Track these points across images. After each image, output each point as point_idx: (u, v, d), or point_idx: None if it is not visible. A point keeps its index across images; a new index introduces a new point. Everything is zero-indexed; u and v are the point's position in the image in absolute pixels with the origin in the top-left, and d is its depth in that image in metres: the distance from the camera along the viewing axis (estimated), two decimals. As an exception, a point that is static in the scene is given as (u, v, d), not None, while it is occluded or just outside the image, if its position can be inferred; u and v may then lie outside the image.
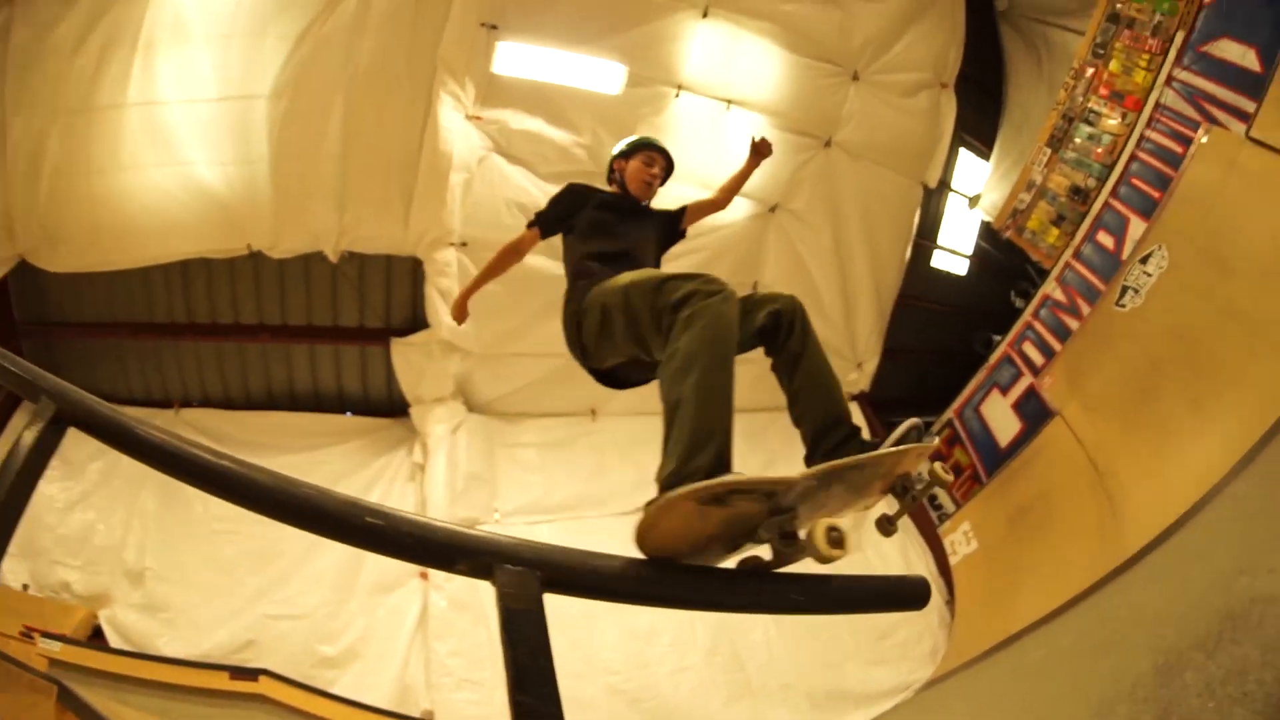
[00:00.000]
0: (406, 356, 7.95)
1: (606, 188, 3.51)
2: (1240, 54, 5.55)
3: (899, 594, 1.21)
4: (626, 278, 2.46)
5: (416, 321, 8.08)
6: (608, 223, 3.13)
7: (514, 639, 0.89)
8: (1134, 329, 6.03)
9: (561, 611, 4.36)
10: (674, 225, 3.57)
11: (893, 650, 7.47)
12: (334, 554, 6.86)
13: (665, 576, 0.99)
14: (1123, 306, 5.98)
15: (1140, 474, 5.62)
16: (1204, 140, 5.59)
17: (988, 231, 9.58)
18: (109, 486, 8.43)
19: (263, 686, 5.69)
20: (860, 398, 9.49)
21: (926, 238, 9.84)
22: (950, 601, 7.94)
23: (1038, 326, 7.76)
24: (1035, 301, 7.91)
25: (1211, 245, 5.33)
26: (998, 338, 8.48)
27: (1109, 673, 2.96)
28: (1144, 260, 5.84)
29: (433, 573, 6.47)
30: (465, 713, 6.07)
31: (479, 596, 6.55)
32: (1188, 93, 6.18)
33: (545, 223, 3.26)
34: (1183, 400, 5.11)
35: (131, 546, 8.08)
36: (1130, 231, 6.67)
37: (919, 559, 8.32)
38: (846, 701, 6.94)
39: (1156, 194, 6.37)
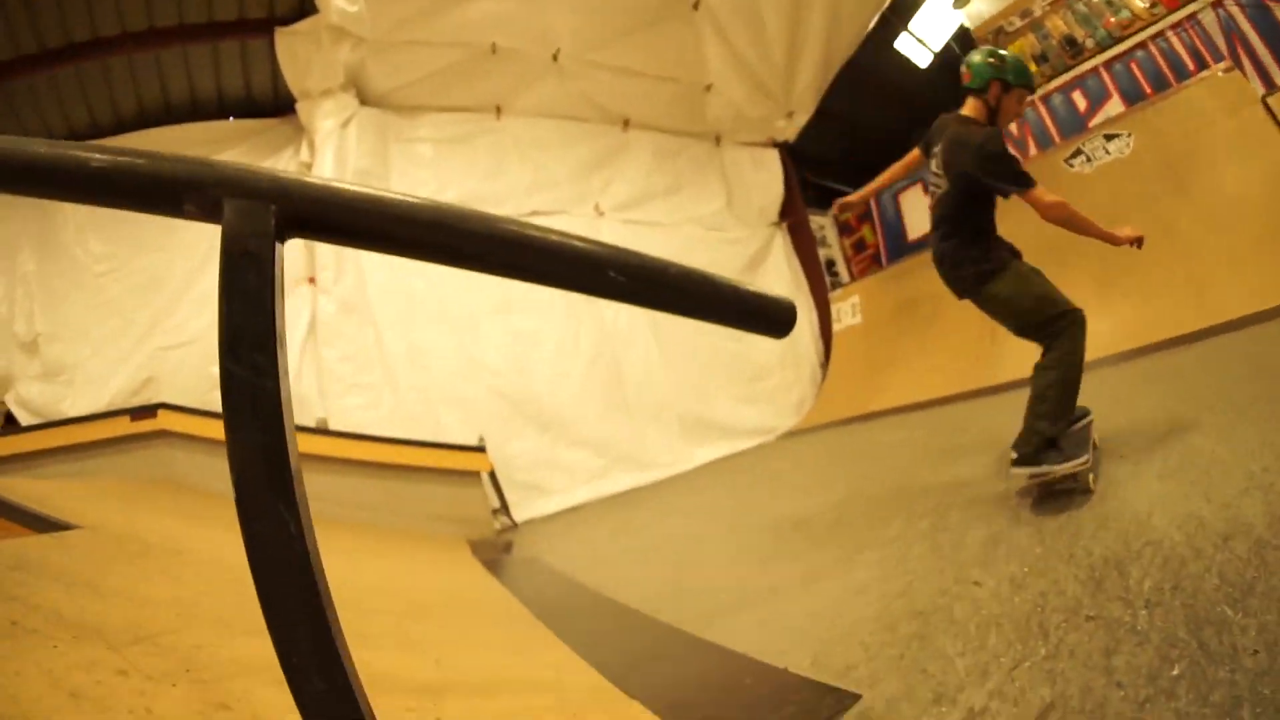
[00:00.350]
0: (292, 47, 7.17)
1: (970, 113, 2.85)
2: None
3: (758, 310, 0.98)
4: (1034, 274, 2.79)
5: (304, 7, 7.14)
6: None
7: (232, 289, 0.73)
8: (1072, 191, 6.09)
9: (448, 313, 5.90)
10: None
11: (763, 393, 8.10)
12: (216, 273, 6.87)
13: (455, 227, 0.83)
14: (1070, 166, 6.11)
15: None
16: (1220, 75, 5.48)
17: (963, 36, 9.11)
18: None
19: (162, 421, 5.74)
20: (781, 146, 9.49)
21: (899, 16, 9.31)
22: (825, 364, 8.66)
23: None
24: None
25: (1178, 163, 5.41)
26: None
27: (950, 473, 3.27)
28: (1109, 137, 5.92)
29: (319, 277, 6.48)
30: (356, 416, 6.19)
31: (365, 297, 6.60)
32: (1228, 26, 6.04)
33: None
34: (1089, 279, 5.30)
35: (20, 317, 7.71)
36: (1107, 107, 6.69)
37: (804, 317, 8.82)
38: (713, 431, 7.53)
39: (1149, 89, 6.35)
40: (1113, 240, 2.84)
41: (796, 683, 1.63)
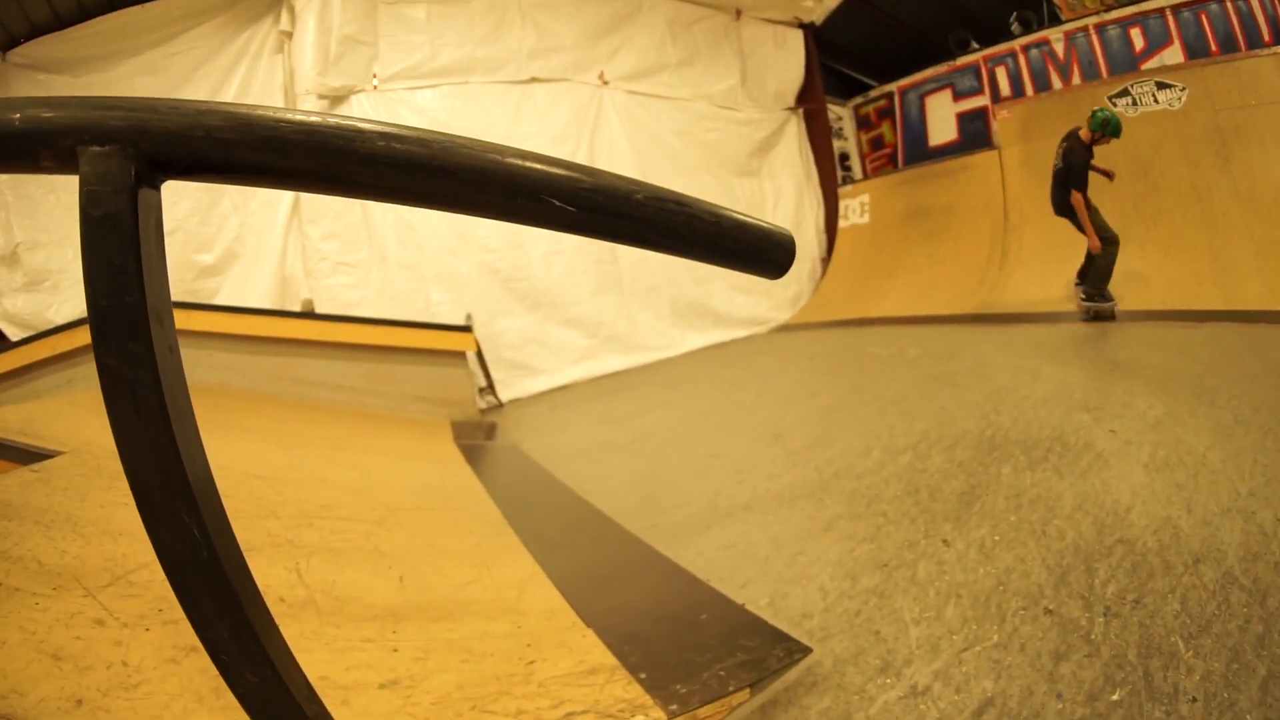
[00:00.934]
0: (268, -103, 6.37)
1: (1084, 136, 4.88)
2: None
3: (749, 246, 0.84)
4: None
5: None
6: None
7: (93, 260, 0.63)
8: None
9: None
10: None
11: (759, 283, 7.73)
12: None
13: (361, 150, 0.70)
14: (1113, 104, 5.84)
15: (1039, 251, 5.95)
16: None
17: (1024, -59, 8.54)
18: None
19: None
20: (807, 28, 8.96)
21: (956, -92, 8.52)
22: (826, 260, 8.56)
23: (1021, 61, 7.51)
24: (1033, 38, 7.48)
25: (1227, 132, 5.24)
26: (976, 45, 8.08)
27: (938, 404, 3.27)
28: (1161, 86, 5.65)
29: None
30: (343, 296, 6.14)
31: None
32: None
33: None
34: (1114, 220, 5.20)
35: None
36: (1165, 54, 6.35)
37: (811, 209, 8.71)
38: (706, 318, 7.53)
39: (1215, 47, 5.98)
40: (1089, 237, 4.71)
41: (751, 626, 1.66)
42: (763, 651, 1.54)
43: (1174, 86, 5.60)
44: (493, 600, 1.77)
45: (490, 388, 6.02)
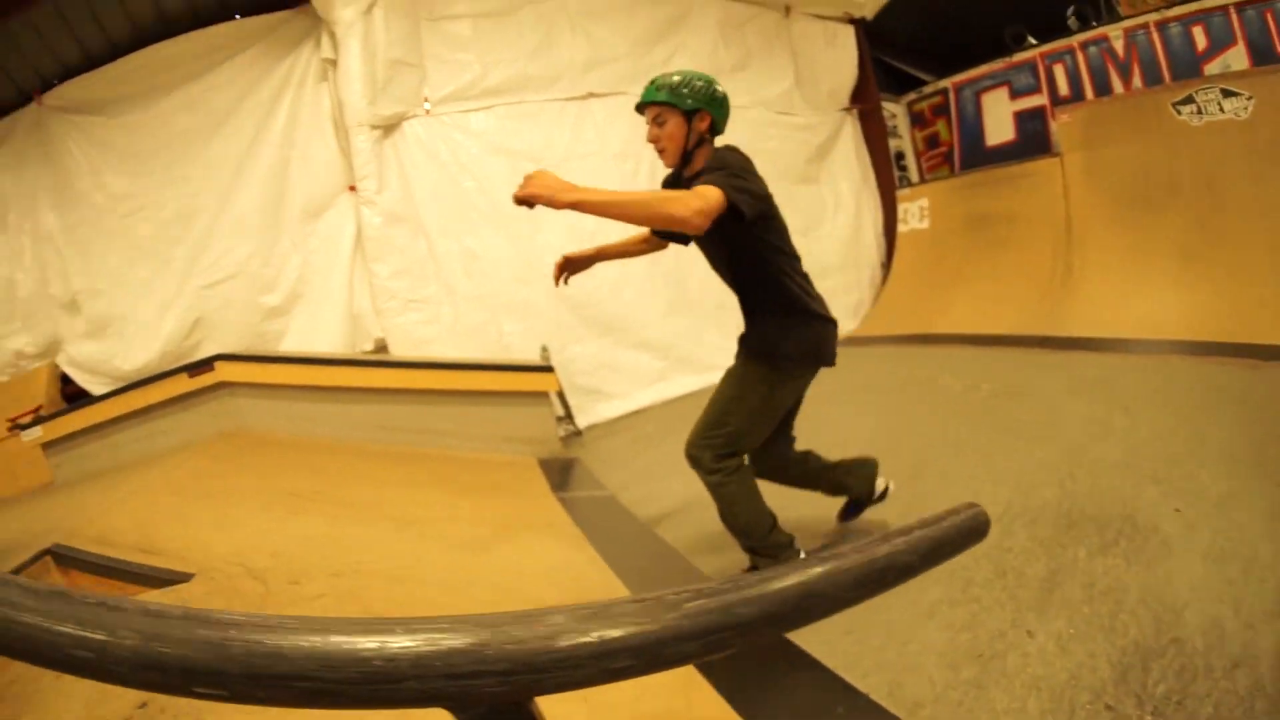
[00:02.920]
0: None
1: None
2: None
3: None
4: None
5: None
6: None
7: None
8: (1176, 142, 5.98)
9: (503, 214, 6.10)
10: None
11: (822, 293, 8.10)
12: (249, 193, 6.70)
13: None
14: (1178, 113, 5.90)
15: (1103, 269, 6.02)
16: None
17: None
18: (4, 229, 7.69)
19: (220, 373, 5.93)
20: (858, 23, 9.13)
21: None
22: (885, 265, 8.78)
23: (1080, 59, 7.56)
24: (1092, 34, 7.53)
25: None
26: (1032, 40, 8.17)
27: (1019, 461, 3.65)
28: (1227, 94, 5.65)
29: (360, 184, 6.39)
30: (416, 334, 6.26)
31: (414, 204, 6.51)
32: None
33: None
34: (1173, 246, 5.37)
35: (54, 279, 7.63)
36: (1228, 54, 6.37)
37: (869, 213, 8.89)
38: None
39: None
40: None
41: (878, 717, 2.08)
42: (892, 744, 1.92)
43: (1240, 94, 5.66)
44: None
45: (569, 416, 6.45)
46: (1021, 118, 8.26)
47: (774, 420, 3.03)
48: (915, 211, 8.62)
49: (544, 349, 6.36)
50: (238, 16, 7.29)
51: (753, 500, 3.02)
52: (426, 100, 6.91)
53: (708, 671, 2.34)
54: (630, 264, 7.11)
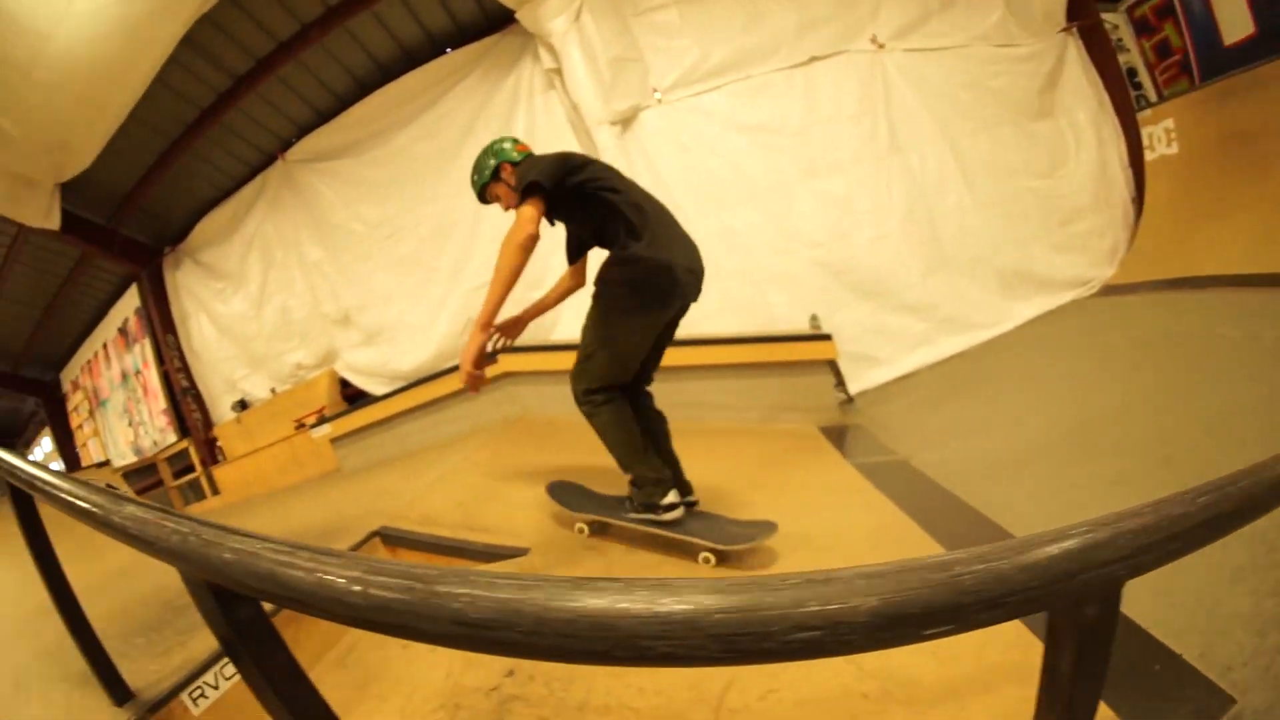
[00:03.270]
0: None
1: None
2: None
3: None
4: None
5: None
6: None
7: None
8: None
9: (755, 187, 6.99)
10: None
11: (1075, 239, 7.74)
12: None
13: None
14: None
15: None
16: None
17: None
18: (272, 265, 9.14)
19: (503, 364, 6.71)
20: None
21: None
22: (1137, 199, 8.06)
23: None
24: None
25: None
26: None
27: None
28: None
29: None
30: (690, 314, 6.57)
31: (666, 190, 6.19)
32: None
33: None
34: None
35: (325, 300, 8.89)
36: None
37: (1112, 143, 8.24)
38: (1030, 284, 7.37)
39: None
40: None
41: (1192, 676, 2.06)
42: (1204, 700, 1.92)
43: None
44: None
45: (841, 384, 6.57)
46: (1258, 4, 7.16)
47: (629, 356, 3.28)
48: (1161, 135, 7.82)
49: (814, 317, 6.42)
50: (449, 51, 8.23)
51: (619, 431, 3.26)
52: (655, 90, 7.25)
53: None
54: (884, 221, 7.24)
